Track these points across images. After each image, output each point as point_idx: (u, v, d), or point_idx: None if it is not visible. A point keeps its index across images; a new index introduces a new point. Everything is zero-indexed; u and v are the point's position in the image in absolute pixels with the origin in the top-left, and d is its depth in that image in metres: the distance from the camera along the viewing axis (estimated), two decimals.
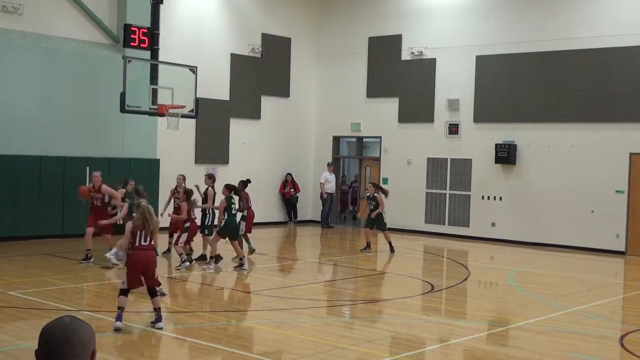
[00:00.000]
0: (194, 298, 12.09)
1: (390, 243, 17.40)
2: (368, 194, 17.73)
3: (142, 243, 9.15)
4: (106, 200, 14.28)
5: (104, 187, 14.21)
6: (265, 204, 22.17)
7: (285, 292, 12.34)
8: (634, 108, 18.25)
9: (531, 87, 19.85)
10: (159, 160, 19.70)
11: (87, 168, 16.19)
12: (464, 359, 8.71)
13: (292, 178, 23.39)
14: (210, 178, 15.35)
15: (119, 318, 8.92)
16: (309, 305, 11.35)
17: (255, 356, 8.20)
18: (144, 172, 18.70)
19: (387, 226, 17.69)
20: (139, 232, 9.12)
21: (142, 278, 9.16)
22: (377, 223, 17.44)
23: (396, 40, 22.49)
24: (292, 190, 23.36)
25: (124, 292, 9.10)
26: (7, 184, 16.82)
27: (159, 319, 9.14)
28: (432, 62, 21.72)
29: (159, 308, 9.18)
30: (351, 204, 26.70)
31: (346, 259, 16.58)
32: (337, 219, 24.24)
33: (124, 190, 14.39)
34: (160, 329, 9.07)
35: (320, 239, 21.09)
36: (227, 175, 19.51)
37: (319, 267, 15.98)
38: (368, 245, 17.49)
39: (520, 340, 9.40)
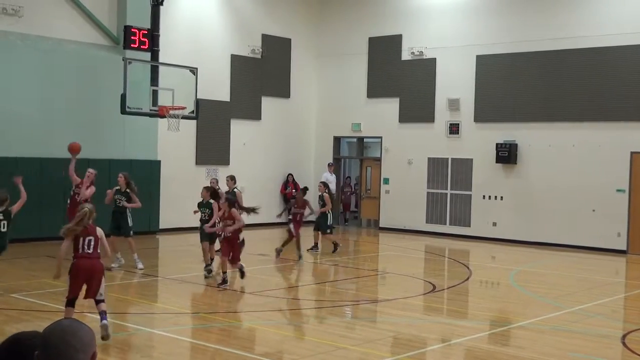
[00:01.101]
0: (194, 299, 12.09)
1: (334, 243, 17.17)
2: (320, 193, 17.49)
3: (87, 251, 8.47)
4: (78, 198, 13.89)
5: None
6: (266, 204, 22.11)
7: (285, 292, 12.33)
8: (635, 107, 18.23)
9: (531, 86, 19.83)
10: (159, 161, 19.71)
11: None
12: (465, 358, 8.70)
13: (293, 178, 23.38)
14: (232, 179, 15.58)
15: None
16: (310, 306, 11.34)
17: (256, 357, 8.20)
18: (145, 173, 18.72)
19: (332, 228, 17.39)
20: (81, 239, 8.46)
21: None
22: (319, 223, 17.16)
23: (396, 40, 22.48)
24: (294, 190, 23.32)
25: (70, 303, 8.52)
26: (7, 187, 16.76)
27: (104, 317, 8.45)
28: (433, 62, 21.71)
29: (104, 311, 8.49)
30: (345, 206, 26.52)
31: (347, 259, 16.56)
32: (338, 219, 24.20)
33: (118, 188, 14.09)
34: (106, 325, 8.41)
35: (320, 239, 21.01)
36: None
37: (320, 267, 15.98)
38: (315, 246, 17.29)
39: (521, 340, 9.39)
